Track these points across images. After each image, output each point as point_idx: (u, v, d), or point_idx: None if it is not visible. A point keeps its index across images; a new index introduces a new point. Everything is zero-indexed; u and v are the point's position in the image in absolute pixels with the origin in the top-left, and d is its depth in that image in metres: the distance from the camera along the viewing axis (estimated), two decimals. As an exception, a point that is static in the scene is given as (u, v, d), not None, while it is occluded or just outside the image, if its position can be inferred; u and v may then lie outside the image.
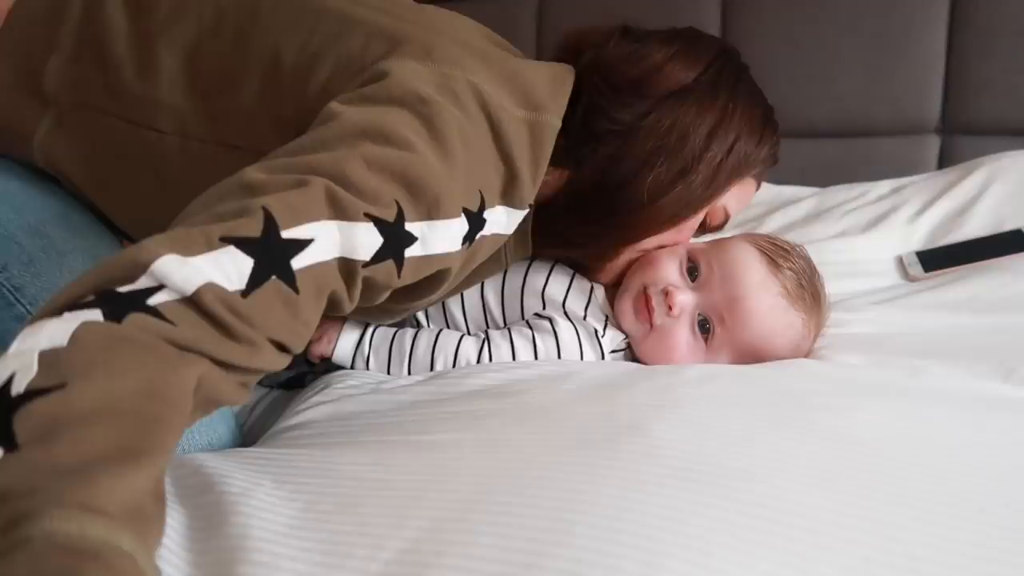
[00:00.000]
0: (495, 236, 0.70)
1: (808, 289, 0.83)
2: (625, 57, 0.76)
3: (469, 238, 0.65)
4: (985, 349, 0.83)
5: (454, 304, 0.88)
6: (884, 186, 1.46)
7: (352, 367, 0.83)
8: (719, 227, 0.85)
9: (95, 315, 0.45)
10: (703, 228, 0.84)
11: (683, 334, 0.81)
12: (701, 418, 0.61)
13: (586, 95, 0.74)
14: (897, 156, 1.69)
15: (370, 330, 0.84)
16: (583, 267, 0.87)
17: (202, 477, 0.58)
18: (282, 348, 0.54)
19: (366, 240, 0.56)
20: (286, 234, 0.52)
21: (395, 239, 0.58)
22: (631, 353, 0.86)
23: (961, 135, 1.69)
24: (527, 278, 0.86)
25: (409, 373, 0.81)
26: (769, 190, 1.64)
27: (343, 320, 0.84)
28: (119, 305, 0.46)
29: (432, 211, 0.60)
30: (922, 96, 1.70)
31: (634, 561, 0.46)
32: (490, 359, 0.80)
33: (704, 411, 0.62)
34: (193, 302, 0.48)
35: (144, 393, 0.44)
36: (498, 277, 0.87)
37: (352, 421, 0.68)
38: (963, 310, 0.99)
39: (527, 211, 0.73)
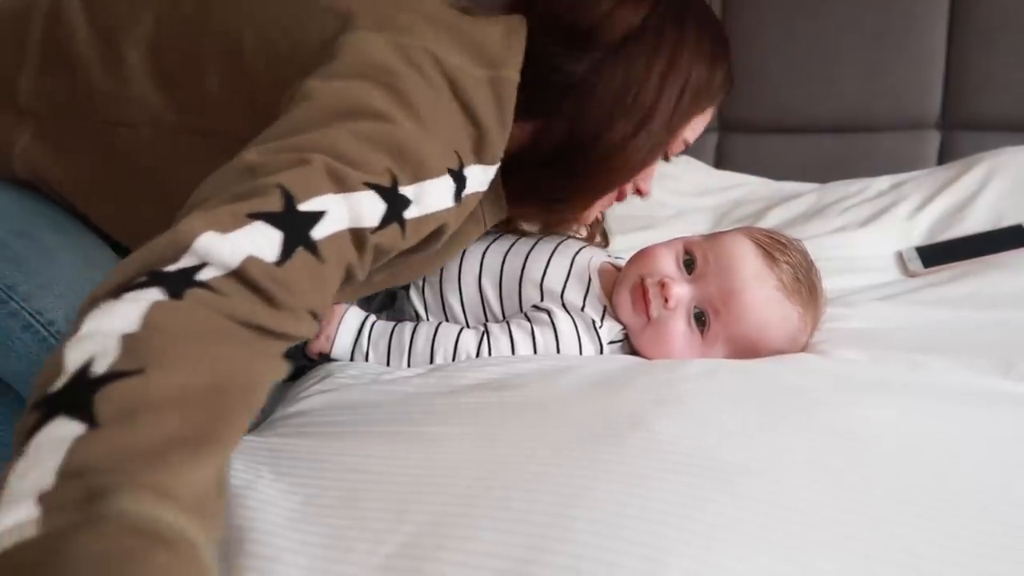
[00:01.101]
0: (474, 193, 0.72)
1: (805, 283, 0.83)
2: (574, 5, 0.76)
3: (458, 195, 0.68)
4: (985, 344, 0.83)
5: (452, 296, 0.88)
6: (884, 182, 1.46)
7: (352, 360, 0.83)
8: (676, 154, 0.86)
9: (156, 294, 0.47)
10: (664, 158, 0.85)
11: (679, 326, 0.81)
12: (701, 413, 0.61)
13: (539, 47, 0.75)
14: (897, 152, 1.69)
15: (369, 324, 0.84)
16: (559, 217, 0.89)
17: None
18: (315, 316, 0.56)
19: (370, 207, 0.59)
20: (302, 207, 0.54)
21: (394, 203, 0.61)
22: (629, 344, 0.86)
23: (961, 131, 1.69)
24: (525, 268, 0.86)
25: (409, 366, 0.81)
26: (769, 186, 1.65)
27: (341, 317, 0.84)
28: (173, 283, 0.48)
29: (419, 173, 0.63)
30: (922, 92, 1.69)
31: (635, 556, 0.46)
32: (489, 352, 0.80)
33: (704, 406, 0.62)
34: (238, 275, 0.50)
35: (215, 384, 0.46)
36: (496, 267, 0.87)
37: (352, 412, 0.68)
38: (963, 305, 0.99)
39: (497, 166, 0.74)
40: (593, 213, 0.87)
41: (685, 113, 0.79)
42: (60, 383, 0.43)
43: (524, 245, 0.89)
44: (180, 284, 0.48)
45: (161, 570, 0.37)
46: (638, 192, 0.86)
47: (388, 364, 0.82)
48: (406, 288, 0.90)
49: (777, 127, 1.81)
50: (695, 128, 0.84)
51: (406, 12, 0.72)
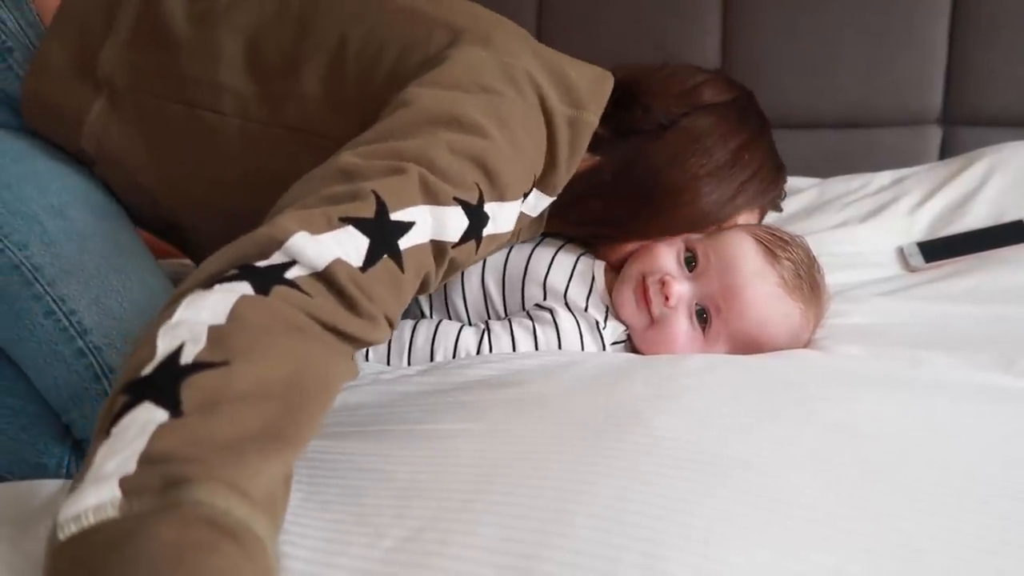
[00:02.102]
0: (527, 216, 0.74)
1: (806, 280, 0.82)
2: (663, 73, 0.83)
3: (519, 218, 0.70)
4: (986, 340, 0.82)
5: (455, 294, 0.87)
6: (885, 177, 1.46)
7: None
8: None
9: (245, 288, 0.49)
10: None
11: (681, 324, 0.81)
12: (701, 408, 0.61)
13: (628, 97, 0.79)
14: (898, 147, 1.69)
15: None
16: (590, 246, 0.89)
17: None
18: (390, 323, 0.57)
19: (455, 223, 0.60)
20: (393, 216, 0.56)
21: (476, 220, 0.63)
22: (631, 345, 0.85)
23: (962, 126, 1.68)
24: (529, 266, 0.86)
25: (409, 364, 0.81)
26: (770, 181, 1.64)
27: None
28: (262, 279, 0.50)
29: (504, 193, 0.65)
30: (923, 87, 1.69)
31: (635, 552, 0.46)
32: (490, 350, 0.80)
33: (704, 401, 0.62)
34: (325, 277, 0.51)
35: (294, 382, 0.47)
36: (499, 266, 0.87)
37: (353, 411, 0.68)
38: (964, 301, 0.99)
39: (554, 199, 0.77)
40: (620, 254, 0.87)
41: (747, 198, 0.83)
42: (150, 368, 0.45)
43: (527, 244, 0.89)
44: (268, 281, 0.50)
45: (229, 562, 0.38)
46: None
47: (388, 363, 0.82)
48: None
49: (778, 122, 1.78)
50: (738, 221, 0.86)
51: (514, 39, 0.75)
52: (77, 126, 0.79)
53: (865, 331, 0.89)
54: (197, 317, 0.47)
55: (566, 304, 0.84)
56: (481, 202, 0.63)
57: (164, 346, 0.46)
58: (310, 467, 0.58)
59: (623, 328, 0.84)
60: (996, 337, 0.84)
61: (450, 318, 0.88)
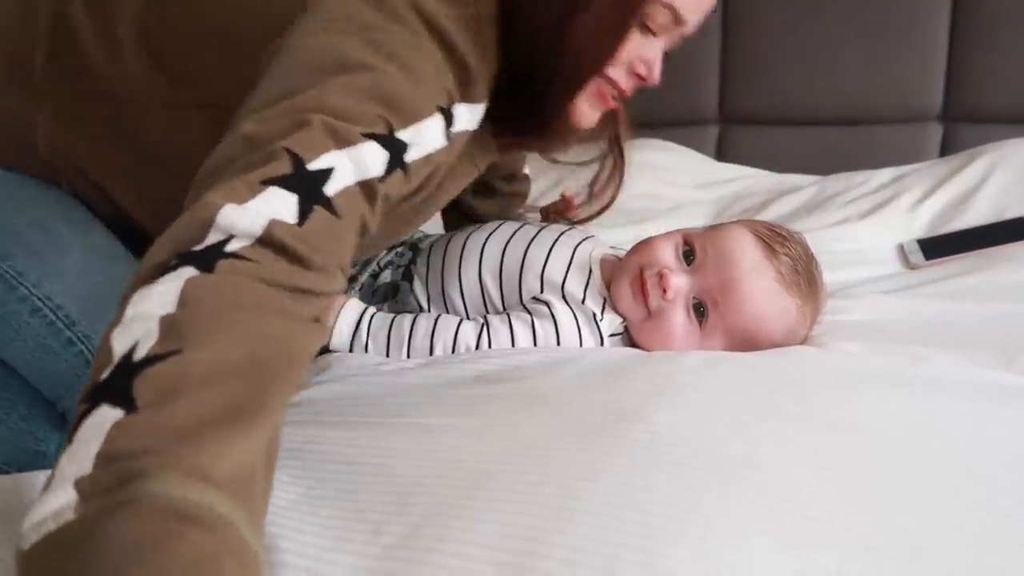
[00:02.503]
0: (462, 133, 0.72)
1: (804, 275, 0.82)
2: None
3: (448, 134, 0.68)
4: (987, 337, 0.82)
5: (452, 288, 0.87)
6: (886, 174, 1.46)
7: (351, 352, 0.83)
8: (675, 28, 0.79)
9: (190, 271, 0.48)
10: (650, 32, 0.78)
11: (678, 318, 0.81)
12: (700, 405, 0.60)
13: None
14: (899, 144, 1.69)
15: (368, 315, 0.84)
16: (552, 137, 0.84)
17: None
18: (343, 271, 0.57)
19: (374, 157, 0.59)
20: (311, 167, 0.55)
21: (394, 149, 0.61)
22: (629, 337, 0.85)
23: (963, 123, 1.68)
24: (525, 259, 0.86)
25: (408, 357, 0.81)
26: (770, 178, 1.64)
27: (340, 308, 0.84)
28: (204, 259, 0.49)
29: (413, 117, 0.63)
30: (924, 84, 1.69)
31: (634, 549, 0.46)
32: (489, 344, 0.80)
33: (703, 398, 0.62)
34: (265, 240, 0.51)
35: (255, 358, 0.46)
36: (496, 258, 0.87)
37: (351, 403, 0.68)
38: (964, 298, 0.99)
39: (485, 105, 0.73)
40: (586, 117, 0.81)
41: None
42: (107, 372, 0.44)
43: (524, 236, 0.89)
44: (211, 259, 0.49)
45: (193, 548, 0.38)
46: (641, 79, 0.79)
47: (387, 355, 0.82)
48: (409, 280, 0.90)
49: (779, 120, 1.81)
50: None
51: None
52: (31, 141, 0.80)
53: (865, 328, 0.88)
54: (147, 311, 0.47)
55: (563, 296, 0.83)
56: (392, 131, 0.61)
57: (119, 347, 0.45)
58: (308, 462, 0.57)
59: (620, 320, 0.84)
60: (997, 335, 0.84)
61: (447, 311, 0.88)
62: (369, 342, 0.82)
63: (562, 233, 0.91)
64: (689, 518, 0.48)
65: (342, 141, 0.57)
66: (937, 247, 1.18)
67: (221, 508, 0.39)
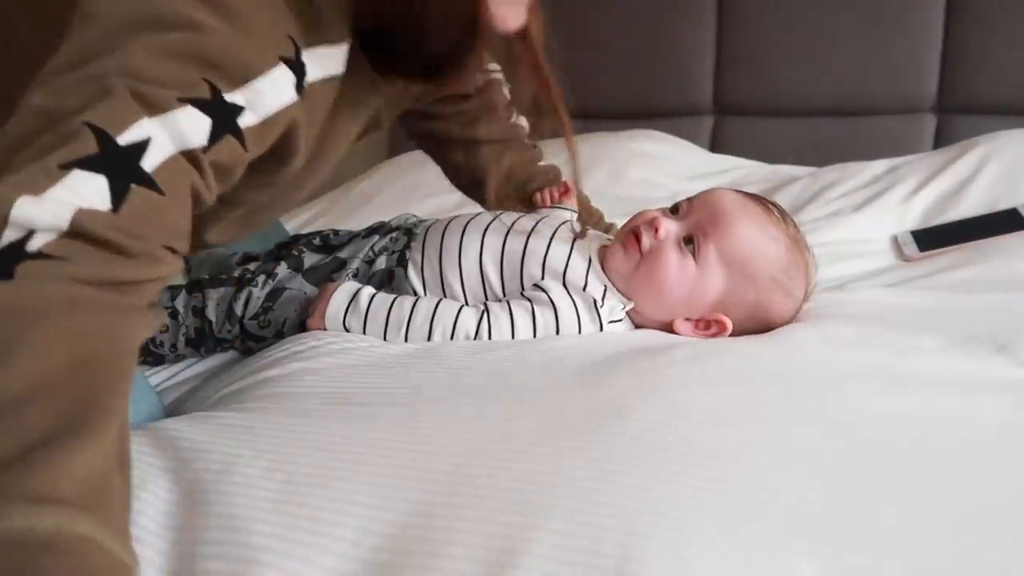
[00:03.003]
0: (326, 80, 0.64)
1: (789, 223, 0.86)
2: None
3: (299, 87, 0.60)
4: (980, 329, 0.82)
5: (452, 275, 0.87)
6: (880, 165, 1.46)
7: (344, 325, 0.81)
8: None
9: None
10: None
11: (671, 254, 0.82)
12: (682, 399, 0.60)
13: None
14: (893, 135, 1.69)
15: (366, 294, 0.83)
16: (442, 77, 0.74)
17: (177, 451, 0.57)
18: (174, 251, 0.52)
19: (193, 125, 0.53)
20: (121, 141, 0.49)
21: (222, 114, 0.54)
22: (629, 324, 0.85)
23: (957, 114, 1.68)
24: (527, 248, 0.86)
25: (406, 341, 0.80)
26: (764, 169, 1.64)
27: (330, 293, 0.83)
28: (1, 263, 0.44)
29: (244, 75, 0.56)
30: (919, 75, 1.69)
31: (612, 544, 0.45)
32: (489, 332, 0.79)
33: (686, 392, 0.61)
34: (74, 233, 0.46)
35: (78, 363, 0.42)
36: (497, 247, 0.86)
37: (333, 387, 0.67)
38: (957, 289, 0.99)
39: (348, 43, 0.66)
40: (509, 17, 0.68)
41: None
42: None
43: (522, 229, 0.88)
44: (9, 262, 0.44)
45: (54, 573, 0.36)
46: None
47: (385, 336, 0.81)
48: (404, 266, 0.89)
49: (772, 110, 1.81)
50: None
51: None
52: None
53: (857, 319, 0.88)
54: None
55: (565, 283, 0.83)
56: (218, 95, 0.54)
57: None
58: (288, 447, 0.56)
59: (622, 306, 0.84)
60: (990, 326, 0.84)
61: (446, 297, 0.87)
62: (368, 319, 0.81)
63: (562, 223, 0.91)
64: (665, 511, 0.47)
65: (154, 108, 0.51)
66: (931, 238, 1.17)
67: (72, 526, 0.37)
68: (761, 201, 0.87)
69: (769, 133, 1.79)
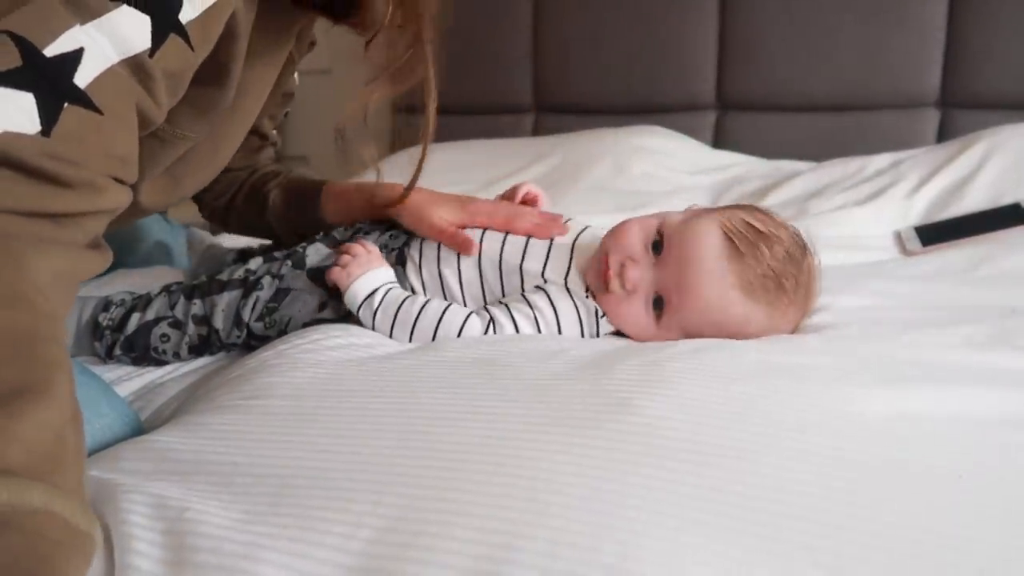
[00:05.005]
0: None
1: (775, 279, 0.77)
2: None
3: None
4: (983, 323, 0.81)
5: (450, 274, 0.86)
6: (882, 160, 1.45)
7: (357, 313, 0.82)
8: None
9: None
10: None
11: (635, 307, 0.79)
12: (685, 394, 0.59)
13: None
14: (896, 130, 1.68)
15: (385, 287, 0.83)
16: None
17: (175, 464, 0.56)
18: (119, 180, 0.47)
19: (132, 26, 0.47)
20: (49, 52, 0.43)
21: (160, 10, 0.48)
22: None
23: (960, 109, 1.68)
24: (525, 254, 0.85)
25: (411, 340, 0.80)
26: (766, 164, 1.63)
27: (372, 267, 0.83)
28: None
29: None
30: (921, 69, 1.68)
31: (611, 541, 0.45)
32: None
33: (690, 388, 0.61)
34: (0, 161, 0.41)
35: (6, 306, 0.38)
36: (495, 252, 0.86)
37: (329, 384, 0.66)
38: (961, 284, 0.98)
39: None
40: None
41: None
42: None
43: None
44: None
45: (7, 556, 0.33)
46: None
47: (391, 332, 0.81)
48: (403, 265, 0.89)
49: (776, 106, 1.80)
50: None
51: None
52: None
53: (861, 314, 0.87)
54: None
55: (566, 287, 0.83)
56: None
57: None
58: (281, 449, 0.56)
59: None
60: (994, 320, 0.83)
61: (445, 297, 0.87)
62: (379, 312, 0.81)
63: (565, 220, 0.90)
64: (664, 509, 0.47)
65: (86, 11, 0.45)
66: (934, 234, 1.17)
67: (26, 498, 0.34)
68: (742, 257, 0.75)
69: (772, 128, 1.78)
